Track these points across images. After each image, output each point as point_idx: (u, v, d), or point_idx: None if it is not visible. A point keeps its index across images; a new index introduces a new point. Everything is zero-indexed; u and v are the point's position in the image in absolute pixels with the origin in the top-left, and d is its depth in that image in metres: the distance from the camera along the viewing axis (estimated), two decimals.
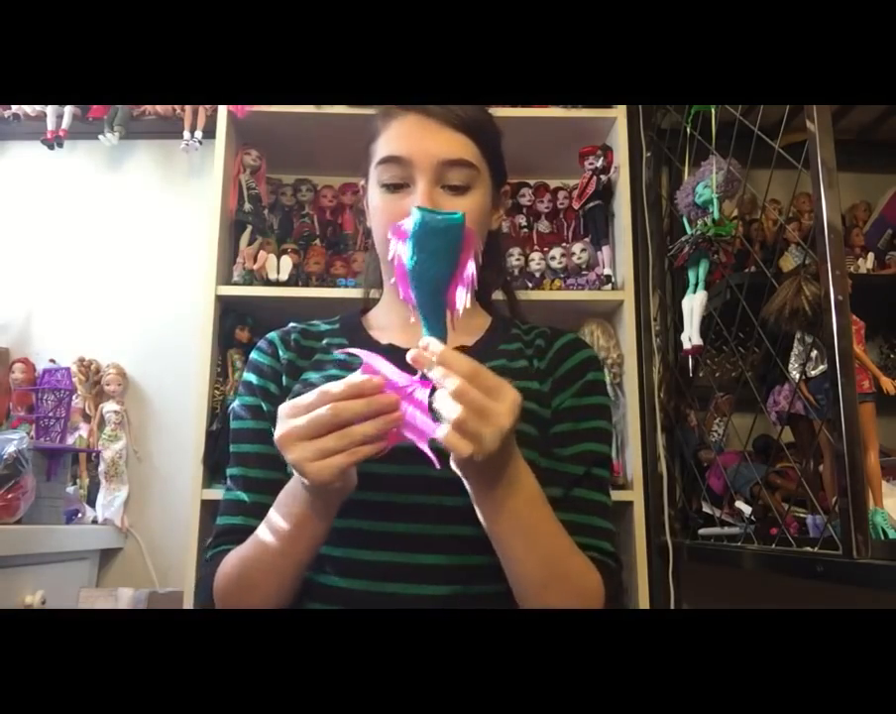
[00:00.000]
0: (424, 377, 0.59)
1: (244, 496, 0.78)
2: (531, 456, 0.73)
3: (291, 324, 0.87)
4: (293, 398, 0.65)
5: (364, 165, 0.83)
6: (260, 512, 0.72)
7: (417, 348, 0.58)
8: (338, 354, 0.80)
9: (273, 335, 0.85)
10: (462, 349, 0.76)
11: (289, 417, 0.60)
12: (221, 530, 0.79)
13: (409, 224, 0.60)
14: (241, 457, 0.80)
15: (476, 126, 0.77)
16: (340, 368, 0.79)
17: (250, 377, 0.83)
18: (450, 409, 0.55)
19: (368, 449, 0.58)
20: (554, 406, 0.79)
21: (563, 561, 0.69)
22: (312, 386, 0.64)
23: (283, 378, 0.81)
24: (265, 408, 0.80)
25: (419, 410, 0.59)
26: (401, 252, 0.61)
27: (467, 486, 0.63)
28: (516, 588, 0.69)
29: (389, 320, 0.86)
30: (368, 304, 0.92)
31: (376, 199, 0.79)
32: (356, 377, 0.59)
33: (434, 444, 0.58)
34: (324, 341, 0.85)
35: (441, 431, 0.56)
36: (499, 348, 0.82)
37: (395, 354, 0.63)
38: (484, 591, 0.72)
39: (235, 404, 0.83)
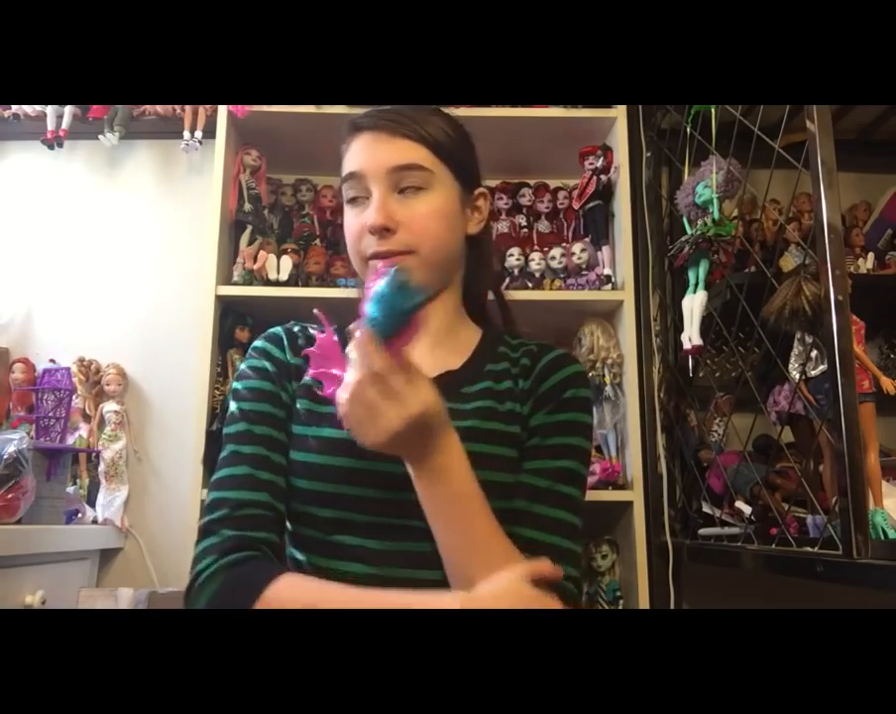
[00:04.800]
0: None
1: (264, 475, 0.74)
2: (507, 479, 0.75)
3: (297, 328, 0.85)
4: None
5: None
6: (280, 493, 0.75)
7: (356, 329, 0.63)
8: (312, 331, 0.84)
9: (281, 333, 0.84)
10: (448, 374, 0.80)
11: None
12: (236, 502, 0.72)
13: (375, 288, 0.65)
14: (256, 438, 0.76)
15: (427, 133, 0.79)
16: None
17: (265, 363, 0.80)
18: (341, 398, 0.64)
19: None
20: (530, 424, 0.79)
21: (486, 565, 0.66)
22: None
23: (291, 381, 0.81)
24: (283, 397, 0.79)
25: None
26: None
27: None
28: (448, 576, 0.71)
29: None
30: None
31: (345, 216, 0.84)
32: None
33: None
34: None
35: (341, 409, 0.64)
36: (485, 369, 0.82)
37: None
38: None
39: (240, 386, 0.79)
